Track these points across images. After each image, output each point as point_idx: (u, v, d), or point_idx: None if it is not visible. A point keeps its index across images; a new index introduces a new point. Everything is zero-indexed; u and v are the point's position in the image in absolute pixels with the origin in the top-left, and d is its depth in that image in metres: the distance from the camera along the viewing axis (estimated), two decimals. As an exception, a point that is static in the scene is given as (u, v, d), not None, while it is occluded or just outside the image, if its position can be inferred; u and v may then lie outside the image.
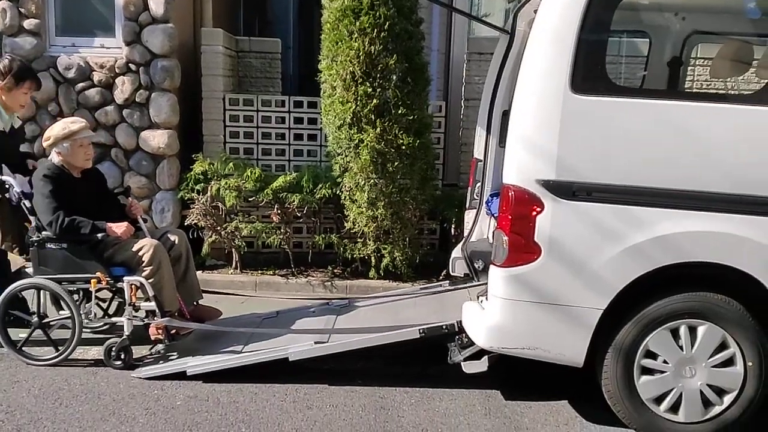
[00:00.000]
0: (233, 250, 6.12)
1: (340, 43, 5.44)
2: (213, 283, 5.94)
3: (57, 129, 4.06)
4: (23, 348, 3.96)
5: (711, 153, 3.01)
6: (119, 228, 3.95)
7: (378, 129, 5.43)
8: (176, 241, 4.25)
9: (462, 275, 4.66)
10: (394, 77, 5.50)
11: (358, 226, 5.68)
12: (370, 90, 5.42)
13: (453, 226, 6.03)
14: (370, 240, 5.75)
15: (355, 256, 5.89)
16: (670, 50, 4.44)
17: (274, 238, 5.95)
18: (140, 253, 3.92)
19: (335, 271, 6.10)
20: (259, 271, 6.14)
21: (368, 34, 5.34)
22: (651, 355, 3.15)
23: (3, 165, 4.21)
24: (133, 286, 3.89)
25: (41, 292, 4.04)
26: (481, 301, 3.50)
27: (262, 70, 7.14)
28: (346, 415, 3.37)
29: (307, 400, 3.53)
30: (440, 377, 3.80)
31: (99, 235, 3.91)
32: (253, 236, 6.06)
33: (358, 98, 5.42)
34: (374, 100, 5.42)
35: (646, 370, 3.16)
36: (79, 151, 4.09)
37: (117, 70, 6.16)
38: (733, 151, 2.99)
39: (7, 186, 4.11)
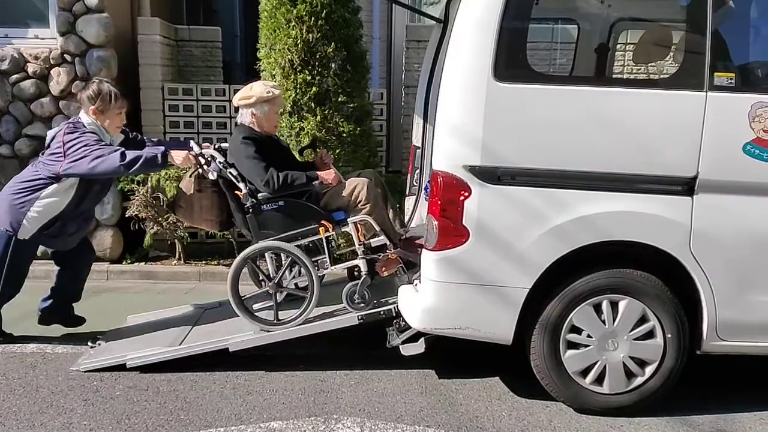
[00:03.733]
0: (176, 241, 6.10)
1: (277, 31, 5.46)
2: (156, 274, 5.94)
3: (260, 90, 4.06)
4: (259, 314, 3.94)
5: (628, 136, 3.15)
6: (329, 175, 4.03)
7: (318, 117, 5.48)
8: (374, 180, 4.24)
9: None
10: (334, 65, 5.55)
11: (300, 214, 5.71)
12: (309, 78, 5.47)
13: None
14: (314, 227, 5.79)
15: (299, 243, 5.93)
16: (597, 37, 4.59)
17: (218, 228, 5.95)
18: (355, 193, 3.98)
19: (280, 259, 6.13)
20: (203, 262, 6.14)
21: (305, 22, 5.38)
22: (576, 330, 3.29)
23: (191, 141, 4.16)
24: (359, 225, 3.93)
25: (272, 256, 3.99)
26: (416, 285, 3.61)
27: (203, 59, 7.11)
28: (286, 399, 3.44)
29: (248, 386, 3.58)
30: (381, 359, 3.89)
31: (315, 183, 3.92)
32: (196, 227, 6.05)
33: (298, 86, 5.46)
34: (314, 88, 5.47)
35: (572, 345, 3.30)
36: (274, 117, 4.15)
37: (52, 61, 6.06)
38: (647, 134, 3.14)
39: (208, 159, 4.00)
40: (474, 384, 3.65)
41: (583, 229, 3.20)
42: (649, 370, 3.30)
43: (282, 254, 3.99)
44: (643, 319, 3.27)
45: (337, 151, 5.53)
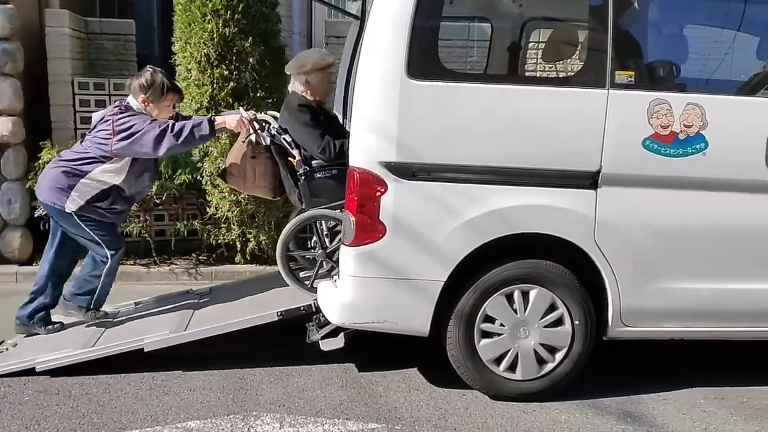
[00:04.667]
0: (90, 240, 5.90)
1: (192, 24, 5.36)
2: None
3: (316, 58, 4.03)
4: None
5: (537, 133, 3.27)
6: None
7: (237, 113, 5.41)
8: None
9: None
10: (252, 60, 5.49)
11: (221, 211, 5.64)
12: (226, 73, 5.39)
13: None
14: (234, 225, 5.73)
15: (219, 241, 5.86)
16: (509, 36, 4.73)
17: (134, 227, 5.79)
18: None
19: (200, 258, 6.05)
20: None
21: (222, 16, 5.30)
22: (489, 319, 3.40)
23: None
24: None
25: (322, 223, 3.94)
26: (335, 280, 3.63)
27: (116, 53, 6.90)
28: (204, 398, 3.41)
29: (164, 387, 3.53)
30: (301, 355, 3.90)
31: None
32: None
33: (215, 81, 5.38)
34: (231, 83, 5.40)
35: (486, 334, 3.41)
36: (326, 85, 4.13)
37: (-48, 53, 5.74)
38: (555, 130, 3.27)
39: (262, 123, 3.93)
40: (393, 376, 3.71)
41: (495, 223, 3.31)
42: (558, 356, 3.44)
43: (325, 224, 3.97)
44: (552, 307, 3.41)
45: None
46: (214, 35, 5.30)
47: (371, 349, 3.99)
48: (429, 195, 3.28)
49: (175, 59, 5.60)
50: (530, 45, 4.82)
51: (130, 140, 3.80)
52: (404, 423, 3.22)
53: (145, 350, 3.66)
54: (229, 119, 3.92)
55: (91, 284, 4.05)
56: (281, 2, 6.02)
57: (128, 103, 4.00)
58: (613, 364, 3.88)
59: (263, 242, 5.77)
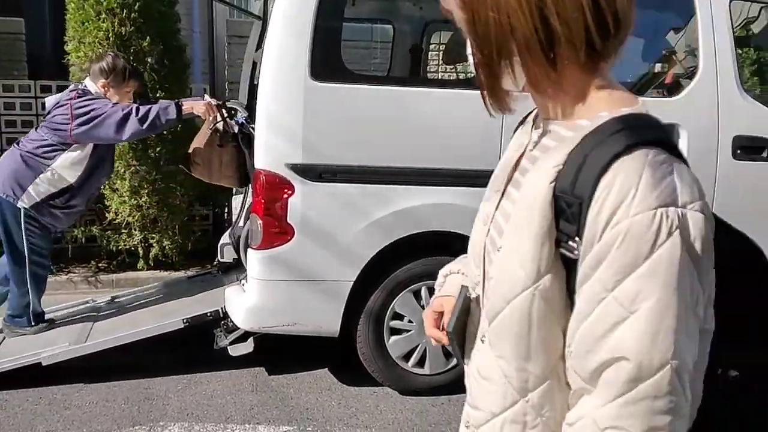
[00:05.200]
0: None
1: (87, 23, 5.14)
2: None
3: None
4: None
5: (439, 133, 3.36)
6: None
7: (136, 114, 5.24)
8: None
9: (231, 260, 4.70)
10: (150, 59, 5.32)
11: (122, 216, 5.45)
12: (124, 74, 5.20)
13: (226, 211, 6.02)
14: (135, 230, 5.54)
15: (120, 247, 5.66)
16: (410, 38, 4.82)
17: (27, 235, 5.50)
18: None
19: (100, 265, 5.81)
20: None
21: (117, 15, 5.11)
22: (398, 316, 3.47)
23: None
24: None
25: None
26: (243, 285, 3.60)
27: (5, 53, 6.52)
28: (107, 410, 3.29)
29: (65, 401, 3.38)
30: (209, 361, 3.83)
31: None
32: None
33: (112, 82, 5.18)
34: (129, 84, 5.21)
35: (395, 331, 3.48)
36: None
37: None
38: (455, 131, 3.37)
39: (231, 112, 3.76)
40: (304, 377, 3.72)
41: (402, 222, 3.37)
42: (465, 349, 3.55)
43: None
44: (458, 303, 3.51)
45: (158, 149, 5.34)
46: (110, 34, 5.11)
47: (280, 351, 3.97)
48: (336, 196, 3.31)
49: (68, 59, 5.37)
50: (431, 47, 4.93)
51: (90, 124, 3.64)
52: (316, 424, 3.23)
53: (43, 364, 3.49)
54: (197, 105, 3.80)
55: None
56: (180, 1, 5.87)
57: (85, 86, 3.83)
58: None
59: (167, 247, 5.61)
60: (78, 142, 3.72)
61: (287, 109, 3.25)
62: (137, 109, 3.68)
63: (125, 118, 3.64)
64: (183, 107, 3.76)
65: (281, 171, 3.25)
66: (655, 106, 3.67)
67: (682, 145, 3.56)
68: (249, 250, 3.40)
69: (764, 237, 3.71)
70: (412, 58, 4.68)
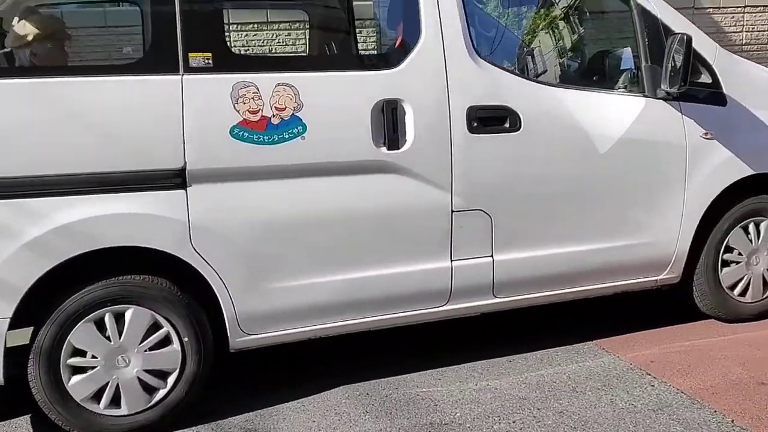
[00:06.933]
0: None
1: None
2: None
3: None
4: None
5: (96, 131, 2.79)
6: None
7: None
8: None
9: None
10: None
11: None
12: None
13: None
14: None
15: None
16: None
17: None
18: None
19: None
20: None
21: None
22: (79, 352, 2.89)
23: None
24: None
25: None
26: None
27: None
28: None
29: None
30: None
31: None
32: None
33: None
34: None
35: (76, 369, 2.91)
36: None
37: None
38: (119, 126, 2.81)
39: None
40: (-13, 431, 3.12)
41: (66, 240, 2.79)
42: (171, 380, 3.02)
43: None
44: (155, 327, 2.97)
45: None
46: None
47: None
48: (-26, 214, 2.69)
49: None
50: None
51: None
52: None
53: None
54: None
55: None
56: None
57: None
58: (242, 379, 3.53)
59: None
60: None
61: None
62: None
63: None
64: None
65: None
66: (365, 81, 3.30)
67: (408, 123, 3.14)
68: None
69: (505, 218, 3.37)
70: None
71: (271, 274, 3.11)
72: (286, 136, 2.99)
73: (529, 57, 4.18)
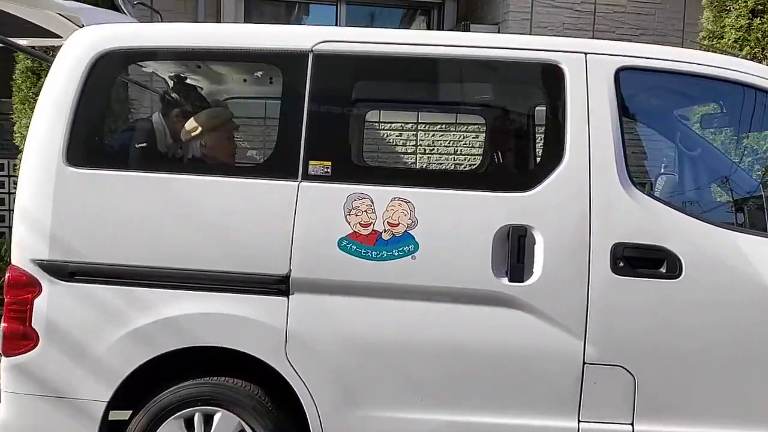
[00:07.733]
0: None
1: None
2: None
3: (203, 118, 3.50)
4: None
5: (209, 229, 2.82)
6: None
7: None
8: None
9: None
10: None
11: None
12: None
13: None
14: None
15: None
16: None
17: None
18: None
19: None
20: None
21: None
22: (165, 446, 2.87)
23: None
24: None
25: None
26: None
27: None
28: None
29: None
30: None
31: None
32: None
33: None
34: None
35: (160, 464, 2.88)
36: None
37: None
38: (231, 227, 2.82)
39: None
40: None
41: (168, 333, 2.82)
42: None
43: None
44: (240, 435, 2.87)
45: None
46: None
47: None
48: (89, 298, 2.83)
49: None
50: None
51: None
52: None
53: None
54: None
55: None
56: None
57: None
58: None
59: None
60: None
61: (38, 195, 2.85)
62: None
63: None
64: None
65: (28, 267, 2.83)
66: (491, 203, 2.84)
67: (538, 253, 2.78)
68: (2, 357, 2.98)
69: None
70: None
71: (367, 400, 2.86)
72: (396, 254, 2.79)
73: (695, 191, 3.57)
